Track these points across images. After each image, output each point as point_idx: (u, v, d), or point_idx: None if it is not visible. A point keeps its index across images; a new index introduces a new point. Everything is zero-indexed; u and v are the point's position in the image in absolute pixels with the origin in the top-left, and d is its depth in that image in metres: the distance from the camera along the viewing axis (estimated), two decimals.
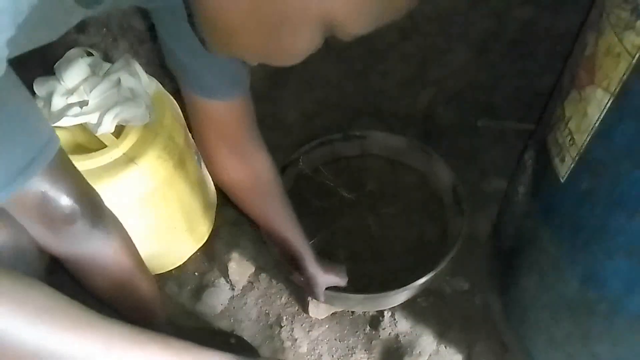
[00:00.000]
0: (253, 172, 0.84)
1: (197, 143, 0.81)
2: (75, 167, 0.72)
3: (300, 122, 1.50)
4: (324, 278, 1.02)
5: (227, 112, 0.74)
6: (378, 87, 1.50)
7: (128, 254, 0.83)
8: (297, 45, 0.47)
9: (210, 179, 1.30)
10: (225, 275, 1.24)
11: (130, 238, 0.85)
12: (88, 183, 0.75)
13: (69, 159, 0.70)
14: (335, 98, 1.52)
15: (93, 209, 0.74)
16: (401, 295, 1.08)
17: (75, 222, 0.70)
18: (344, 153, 1.35)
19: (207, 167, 0.84)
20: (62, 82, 0.93)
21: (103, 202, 0.78)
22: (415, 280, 1.01)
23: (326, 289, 1.03)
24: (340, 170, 1.32)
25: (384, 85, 1.50)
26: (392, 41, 1.40)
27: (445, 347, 1.13)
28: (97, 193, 0.77)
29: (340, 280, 1.05)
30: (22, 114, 0.59)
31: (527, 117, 1.44)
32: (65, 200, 0.67)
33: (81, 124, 0.93)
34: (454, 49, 1.40)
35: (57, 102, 0.92)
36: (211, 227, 1.30)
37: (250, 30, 0.45)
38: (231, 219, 1.33)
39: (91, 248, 0.76)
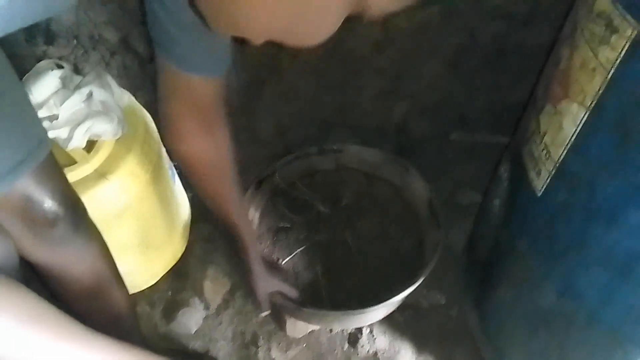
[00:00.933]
0: (215, 148, 0.83)
1: (162, 111, 0.79)
2: (62, 171, 0.72)
3: (275, 135, 1.49)
4: (267, 279, 1.00)
5: (203, 87, 0.73)
6: (352, 100, 1.51)
7: (106, 263, 0.82)
8: (322, 27, 0.46)
9: (185, 194, 1.28)
10: (200, 293, 1.21)
11: (108, 249, 0.84)
12: (73, 188, 0.74)
13: (57, 162, 0.70)
14: (310, 111, 1.51)
15: (75, 214, 0.73)
16: (379, 312, 1.07)
17: (57, 225, 0.70)
18: (319, 167, 1.34)
19: (166, 137, 0.82)
20: (31, 96, 0.90)
21: (86, 209, 0.77)
22: (393, 295, 1.00)
23: (304, 307, 1.01)
24: (316, 184, 1.31)
25: (358, 98, 1.50)
26: (366, 55, 1.41)
27: None
28: (80, 199, 0.76)
29: (287, 289, 1.03)
30: (17, 113, 0.58)
31: (499, 130, 1.47)
32: (48, 203, 0.67)
33: (51, 139, 0.90)
34: (427, 63, 1.42)
35: None
36: (185, 244, 1.27)
37: (274, 14, 0.43)
38: (205, 235, 1.31)
39: (71, 253, 0.75)
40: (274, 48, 1.41)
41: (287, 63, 1.45)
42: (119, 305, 0.88)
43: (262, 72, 1.44)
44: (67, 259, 0.76)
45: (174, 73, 0.71)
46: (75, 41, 1.15)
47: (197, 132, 0.79)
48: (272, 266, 1.03)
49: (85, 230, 0.76)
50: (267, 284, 1.01)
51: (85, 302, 0.83)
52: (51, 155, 0.66)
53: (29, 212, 0.66)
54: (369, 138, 1.49)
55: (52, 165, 0.68)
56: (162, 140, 0.82)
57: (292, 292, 1.04)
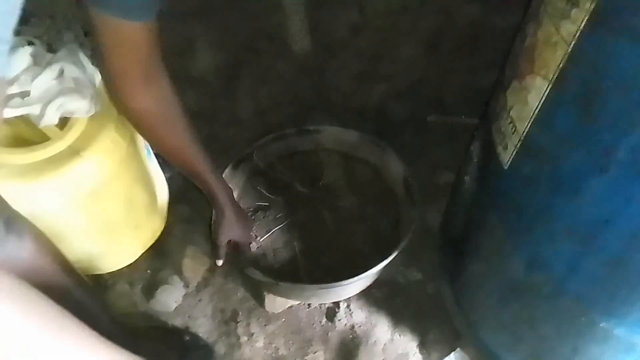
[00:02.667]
0: (162, 98, 0.83)
1: (105, 70, 0.79)
2: None
3: (254, 117, 1.49)
4: (233, 228, 1.04)
5: (141, 33, 0.74)
6: (331, 82, 1.51)
7: (46, 257, 0.80)
8: None
9: (162, 174, 1.28)
10: (179, 272, 1.22)
11: (49, 241, 0.82)
12: None
13: None
14: (289, 93, 1.52)
15: (5, 214, 0.72)
16: (355, 286, 1.09)
17: None
18: (298, 147, 1.35)
19: (114, 96, 0.82)
20: None
21: (10, 206, 0.76)
22: (367, 270, 1.02)
23: (281, 281, 1.02)
24: (295, 165, 1.33)
25: (337, 80, 1.51)
26: (344, 37, 1.42)
27: (400, 335, 1.15)
28: (3, 199, 0.75)
29: (247, 244, 1.09)
30: None
31: (475, 113, 1.48)
32: None
33: (23, 116, 0.90)
34: (404, 45, 1.43)
35: None
36: (163, 224, 1.28)
37: None
38: (184, 216, 1.31)
39: (5, 254, 0.73)
40: (251, 31, 1.42)
41: (265, 45, 1.45)
42: (73, 295, 0.86)
43: (240, 54, 1.44)
44: (3, 260, 0.73)
45: (111, 25, 0.71)
46: (49, 21, 1.14)
47: (142, 84, 0.79)
48: (245, 216, 1.07)
49: (17, 228, 0.75)
50: (230, 232, 1.03)
51: None
52: None
53: None
54: (348, 120, 1.51)
55: None
56: (110, 100, 0.82)
57: (247, 248, 1.08)
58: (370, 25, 1.40)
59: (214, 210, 1.04)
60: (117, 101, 0.82)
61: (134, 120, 0.85)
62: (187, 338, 1.10)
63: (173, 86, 0.85)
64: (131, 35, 0.73)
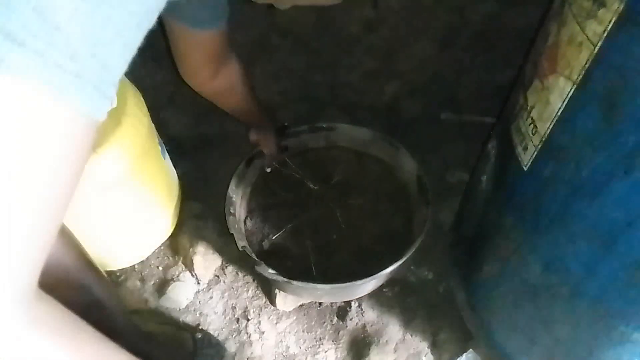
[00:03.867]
0: (230, 79, 1.00)
1: (182, 65, 0.92)
2: None
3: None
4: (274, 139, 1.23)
5: (212, 38, 0.86)
6: (344, 79, 1.50)
7: (70, 253, 0.81)
8: None
9: (174, 171, 1.28)
10: (191, 269, 1.21)
11: (73, 237, 0.82)
12: None
13: None
14: (302, 90, 1.51)
15: None
16: (368, 285, 1.09)
17: None
18: (310, 145, 1.34)
19: (190, 84, 0.97)
20: None
21: None
22: (381, 270, 1.01)
23: (293, 280, 1.02)
24: (307, 162, 1.32)
25: (349, 77, 1.50)
26: (358, 33, 1.41)
27: (411, 335, 1.14)
28: None
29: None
30: None
31: (488, 111, 1.48)
32: None
33: None
34: (418, 43, 1.42)
35: None
36: (175, 221, 1.27)
37: None
38: (196, 213, 1.31)
39: None
40: (264, 27, 1.41)
41: (278, 41, 1.44)
42: (95, 292, 0.86)
43: (253, 51, 1.44)
44: None
45: (188, 32, 0.83)
46: None
47: (214, 73, 0.93)
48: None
49: None
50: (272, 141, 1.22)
51: (56, 293, 0.82)
52: None
53: None
54: (360, 117, 1.50)
55: None
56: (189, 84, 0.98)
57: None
58: (383, 22, 1.39)
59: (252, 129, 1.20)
60: (193, 87, 0.97)
61: (209, 97, 1.03)
62: (200, 336, 1.10)
63: (240, 63, 1.00)
64: (201, 40, 0.85)
